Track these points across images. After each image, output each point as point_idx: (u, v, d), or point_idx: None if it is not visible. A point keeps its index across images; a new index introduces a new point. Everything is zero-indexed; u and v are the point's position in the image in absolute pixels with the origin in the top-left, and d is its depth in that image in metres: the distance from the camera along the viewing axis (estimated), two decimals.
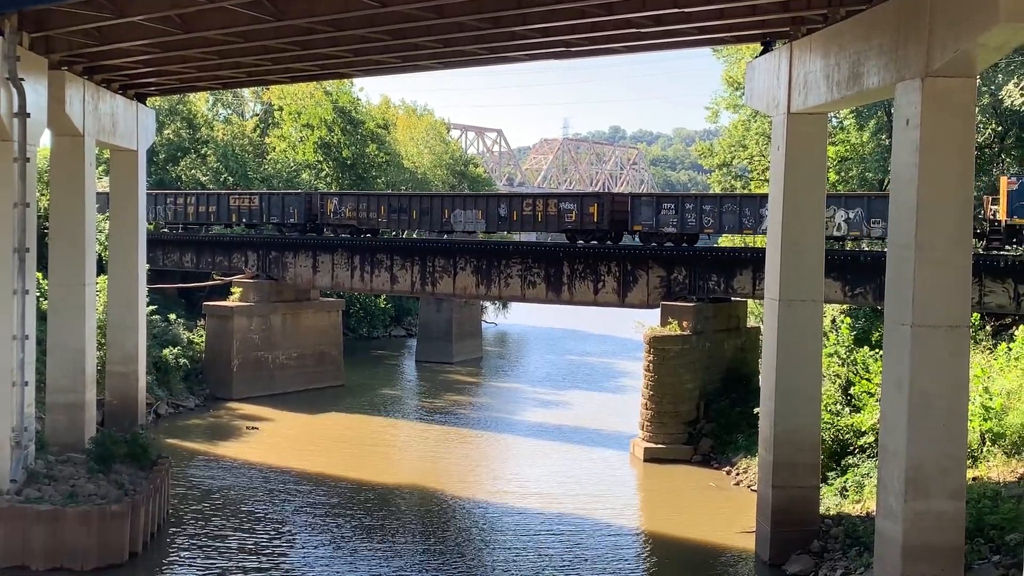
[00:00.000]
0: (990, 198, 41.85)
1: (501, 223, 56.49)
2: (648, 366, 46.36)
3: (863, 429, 36.41)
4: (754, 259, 46.65)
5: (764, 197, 46.25)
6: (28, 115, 31.11)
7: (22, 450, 31.75)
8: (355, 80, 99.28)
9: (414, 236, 70.52)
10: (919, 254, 24.11)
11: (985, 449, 32.93)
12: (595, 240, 52.73)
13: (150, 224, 69.21)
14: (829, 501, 34.57)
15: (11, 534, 29.38)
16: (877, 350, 37.71)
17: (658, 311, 48.81)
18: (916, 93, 24.10)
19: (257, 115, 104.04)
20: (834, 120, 59.80)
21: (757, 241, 56.10)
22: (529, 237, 79.00)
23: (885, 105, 52.48)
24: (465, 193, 73.61)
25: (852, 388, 38.97)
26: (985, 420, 33.10)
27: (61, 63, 35.96)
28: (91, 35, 34.17)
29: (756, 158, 66.03)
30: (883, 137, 56.32)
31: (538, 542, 34.29)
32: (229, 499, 38.57)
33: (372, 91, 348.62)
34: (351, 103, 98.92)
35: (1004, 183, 40.08)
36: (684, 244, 50.82)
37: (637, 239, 53.13)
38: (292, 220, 63.50)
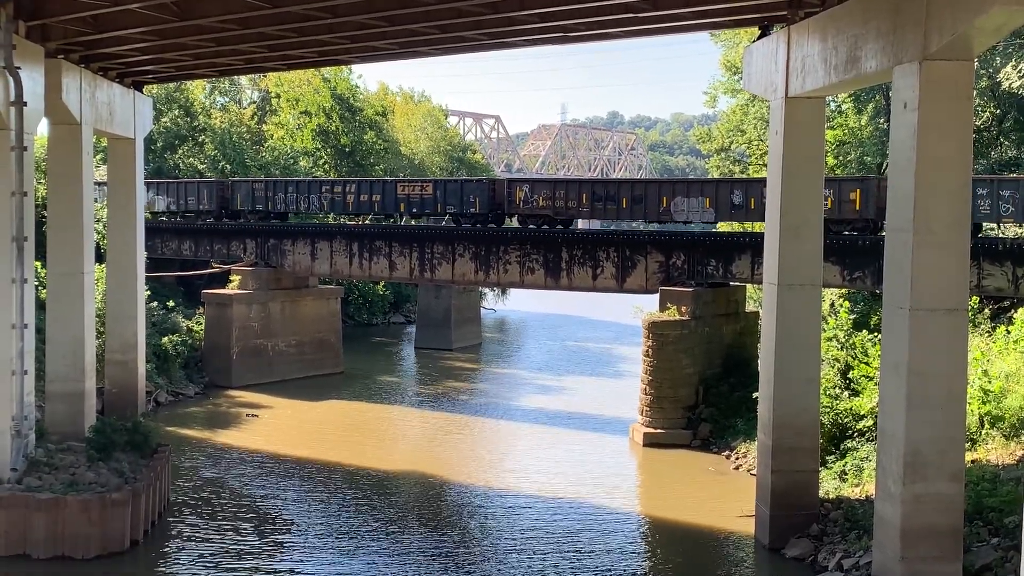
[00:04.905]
0: None
1: (735, 212, 49.10)
2: (647, 351, 46.39)
3: (862, 413, 36.49)
4: (753, 244, 46.63)
5: None
6: (25, 104, 31.12)
7: (22, 439, 31.82)
8: (353, 67, 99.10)
9: (615, 227, 64.05)
10: (917, 238, 24.15)
11: (984, 432, 33.03)
12: (855, 231, 44.79)
13: (298, 215, 66.91)
14: (828, 485, 34.65)
15: (12, 523, 29.45)
16: (876, 334, 37.73)
17: (657, 296, 48.82)
18: (914, 77, 24.09)
19: (254, 102, 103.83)
20: (832, 104, 59.73)
21: None
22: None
23: (883, 89, 52.41)
24: (690, 179, 64.23)
25: (851, 372, 39.02)
26: (984, 403, 33.20)
27: (58, 51, 35.90)
28: (87, 23, 34.12)
29: (754, 143, 65.97)
30: (881, 121, 56.28)
31: (538, 527, 34.34)
32: (229, 486, 38.64)
33: (370, 78, 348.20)
34: (349, 90, 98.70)
35: None
36: (980, 237, 42.43)
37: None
38: (472, 210, 56.80)
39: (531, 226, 54.69)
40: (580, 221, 60.17)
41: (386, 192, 60.25)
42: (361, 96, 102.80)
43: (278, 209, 64.78)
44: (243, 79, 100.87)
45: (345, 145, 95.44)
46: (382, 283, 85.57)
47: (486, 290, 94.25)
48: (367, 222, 62.97)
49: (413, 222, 64.23)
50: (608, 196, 52.80)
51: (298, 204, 64.02)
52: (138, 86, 45.78)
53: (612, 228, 57.92)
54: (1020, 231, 43.99)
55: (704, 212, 49.72)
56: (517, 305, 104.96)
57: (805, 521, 31.77)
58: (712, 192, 49.71)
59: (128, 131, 44.53)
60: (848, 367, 39.39)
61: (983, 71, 50.41)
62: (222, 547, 31.75)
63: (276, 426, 49.50)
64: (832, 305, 47.78)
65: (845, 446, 36.66)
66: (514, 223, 56.86)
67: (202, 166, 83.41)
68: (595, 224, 64.61)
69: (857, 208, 44.02)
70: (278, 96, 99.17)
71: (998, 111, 54.24)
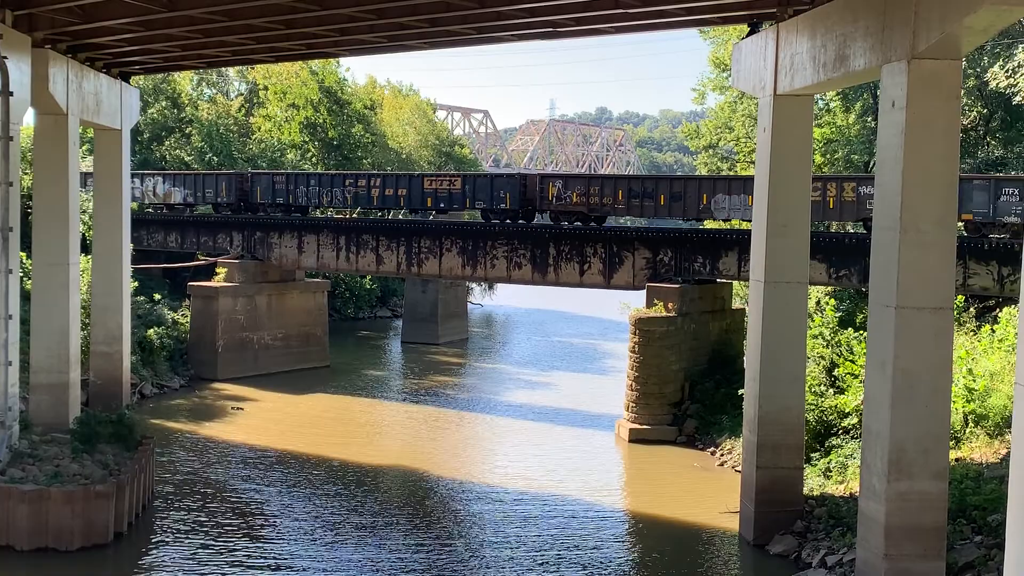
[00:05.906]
0: None
1: None
2: (633, 347, 46.45)
3: (847, 410, 36.60)
4: (740, 241, 46.68)
5: None
6: (11, 93, 31.03)
7: (6, 430, 31.70)
8: (341, 60, 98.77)
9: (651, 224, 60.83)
10: (904, 236, 24.22)
11: (968, 430, 33.17)
12: None
13: (329, 210, 65.26)
14: (813, 482, 34.75)
15: None
16: (861, 332, 37.84)
17: (644, 292, 48.85)
18: (902, 75, 24.15)
19: (242, 95, 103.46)
20: (820, 102, 59.85)
21: None
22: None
23: (871, 87, 52.54)
24: (732, 175, 61.31)
25: (836, 370, 39.13)
26: (968, 401, 33.33)
27: (45, 41, 35.75)
28: (75, 13, 33.97)
29: (742, 140, 66.04)
30: (869, 119, 56.43)
31: (523, 523, 34.37)
32: (213, 479, 38.55)
33: (358, 71, 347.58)
34: (337, 83, 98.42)
35: None
36: None
37: (963, 230, 40.83)
38: (503, 205, 54.83)
39: (563, 223, 53.30)
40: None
41: (412, 186, 58.57)
42: (349, 89, 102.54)
43: (299, 203, 62.89)
44: (230, 71, 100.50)
45: (333, 138, 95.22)
46: (369, 277, 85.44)
47: (473, 285, 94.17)
48: (354, 216, 62.66)
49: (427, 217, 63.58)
50: (645, 193, 50.97)
51: (320, 198, 62.10)
52: (125, 77, 45.59)
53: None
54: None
55: (746, 210, 47.05)
56: (504, 300, 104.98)
57: (789, 518, 31.85)
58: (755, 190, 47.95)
59: (115, 122, 44.36)
60: (833, 365, 39.51)
61: (970, 70, 50.58)
62: (206, 540, 31.67)
63: (261, 419, 49.39)
64: (818, 303, 47.89)
65: (830, 443, 36.77)
66: (546, 219, 55.67)
67: (189, 158, 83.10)
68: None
69: None
70: (266, 88, 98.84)
71: (985, 110, 54.47)
